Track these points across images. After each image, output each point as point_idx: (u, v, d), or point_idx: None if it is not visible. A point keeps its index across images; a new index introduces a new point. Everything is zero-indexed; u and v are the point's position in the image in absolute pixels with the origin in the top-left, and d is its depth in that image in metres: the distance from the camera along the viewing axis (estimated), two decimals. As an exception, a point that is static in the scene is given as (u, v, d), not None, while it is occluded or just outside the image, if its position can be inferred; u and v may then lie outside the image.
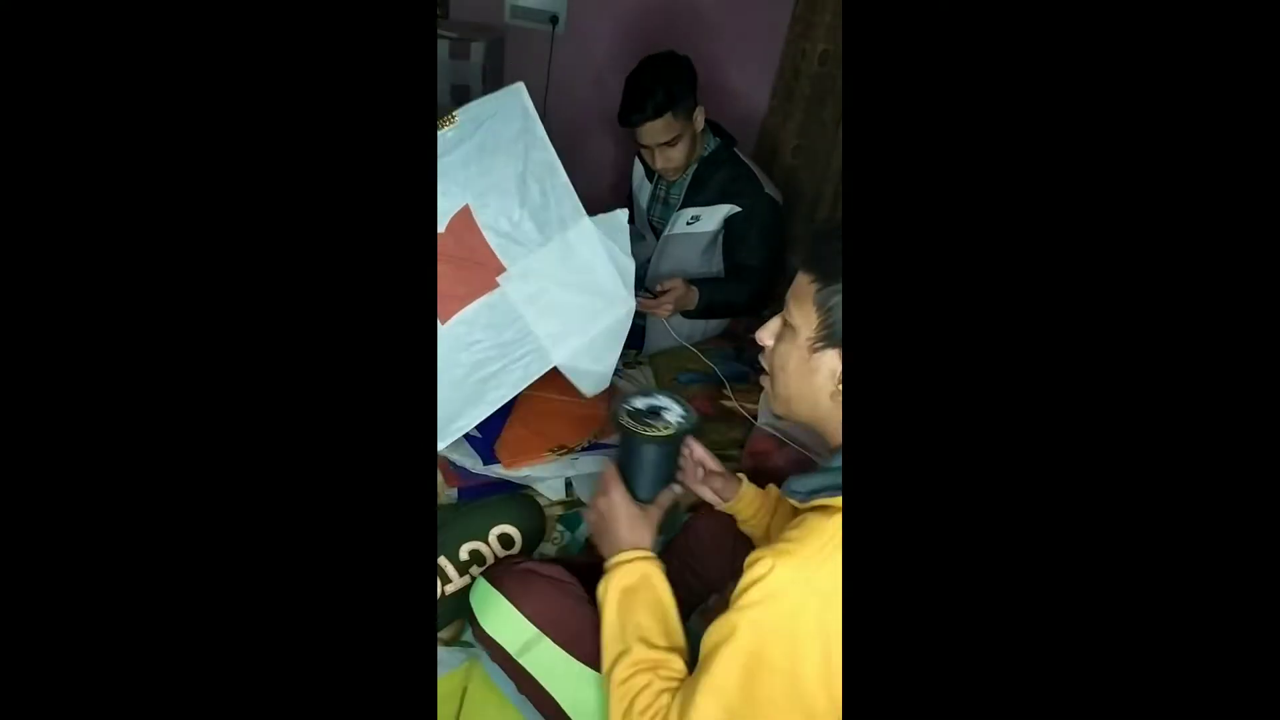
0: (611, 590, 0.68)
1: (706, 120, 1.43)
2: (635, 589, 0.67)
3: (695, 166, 1.44)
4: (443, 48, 1.56)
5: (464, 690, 0.85)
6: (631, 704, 0.61)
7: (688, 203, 1.44)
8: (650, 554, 0.71)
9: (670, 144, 1.35)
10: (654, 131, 1.33)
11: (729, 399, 1.33)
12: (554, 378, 1.35)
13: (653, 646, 0.64)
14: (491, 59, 1.66)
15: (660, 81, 1.30)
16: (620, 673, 0.63)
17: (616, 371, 1.45)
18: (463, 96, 1.63)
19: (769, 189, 1.43)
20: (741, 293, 1.43)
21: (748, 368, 1.50)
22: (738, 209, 1.40)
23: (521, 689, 0.77)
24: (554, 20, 1.83)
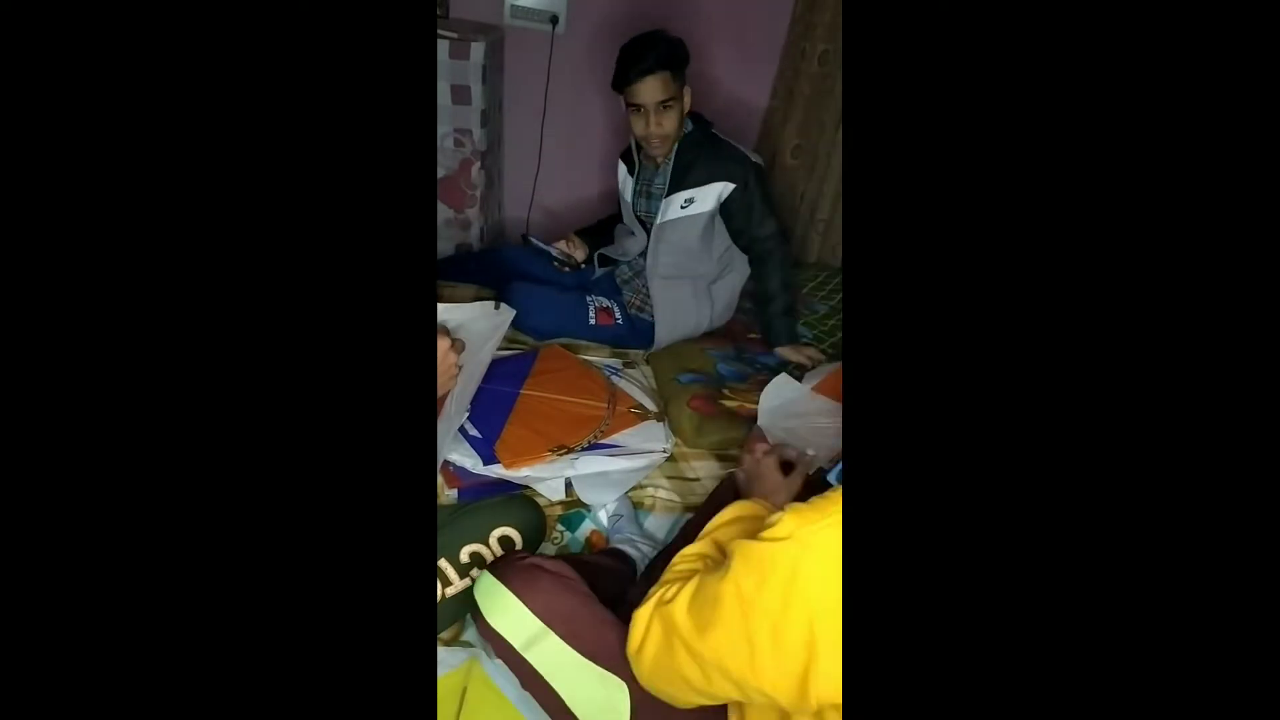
0: (726, 512, 0.77)
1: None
2: (742, 517, 0.76)
3: (676, 150, 1.44)
4: (443, 48, 1.56)
5: (464, 690, 0.85)
6: (673, 564, 0.72)
7: (675, 187, 1.44)
8: (771, 507, 0.78)
9: (666, 105, 1.35)
10: (652, 89, 1.33)
11: (729, 399, 1.33)
12: (554, 379, 1.36)
13: (717, 546, 0.73)
14: (491, 59, 1.66)
15: (659, 42, 1.33)
16: (680, 554, 0.73)
17: (615, 371, 1.46)
18: (463, 97, 1.63)
19: (754, 157, 1.44)
20: (777, 272, 1.49)
21: (748, 368, 1.50)
22: (733, 185, 1.40)
23: (525, 684, 0.77)
24: (554, 20, 1.83)
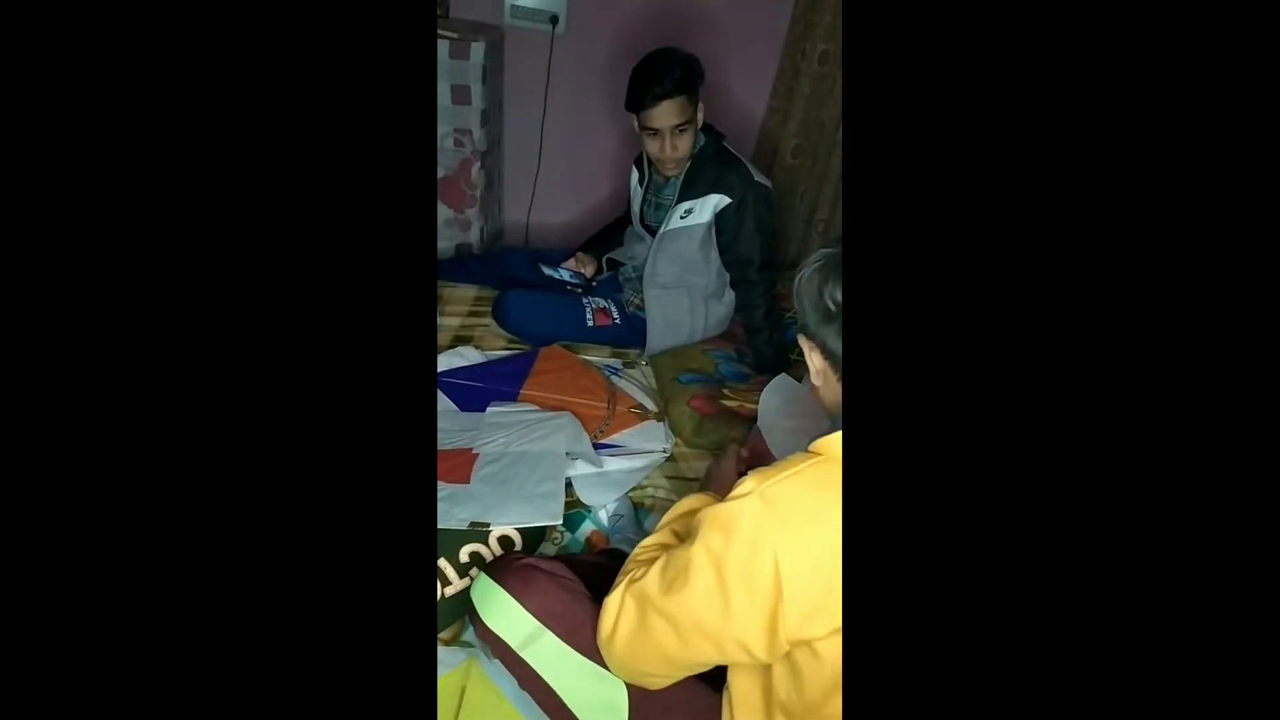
0: (678, 506, 0.81)
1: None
2: (695, 509, 0.76)
3: (688, 163, 1.44)
4: (443, 48, 1.56)
5: (463, 690, 0.85)
6: (634, 557, 0.73)
7: (683, 197, 1.44)
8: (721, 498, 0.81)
9: (682, 128, 1.34)
10: (668, 113, 1.31)
11: (729, 399, 1.33)
12: (554, 379, 1.36)
13: (675, 536, 0.76)
14: (491, 59, 1.66)
15: (676, 64, 1.30)
16: (639, 545, 0.76)
17: (615, 371, 1.46)
18: (463, 97, 1.63)
19: (759, 177, 1.43)
20: (761, 304, 1.47)
21: (748, 368, 1.50)
22: (728, 200, 1.40)
23: (523, 684, 0.77)
24: (554, 20, 1.83)
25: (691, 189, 1.43)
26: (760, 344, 1.50)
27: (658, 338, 1.51)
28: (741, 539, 0.58)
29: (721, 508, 0.61)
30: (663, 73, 1.29)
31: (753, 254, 1.43)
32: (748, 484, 0.60)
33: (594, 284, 1.65)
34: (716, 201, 1.41)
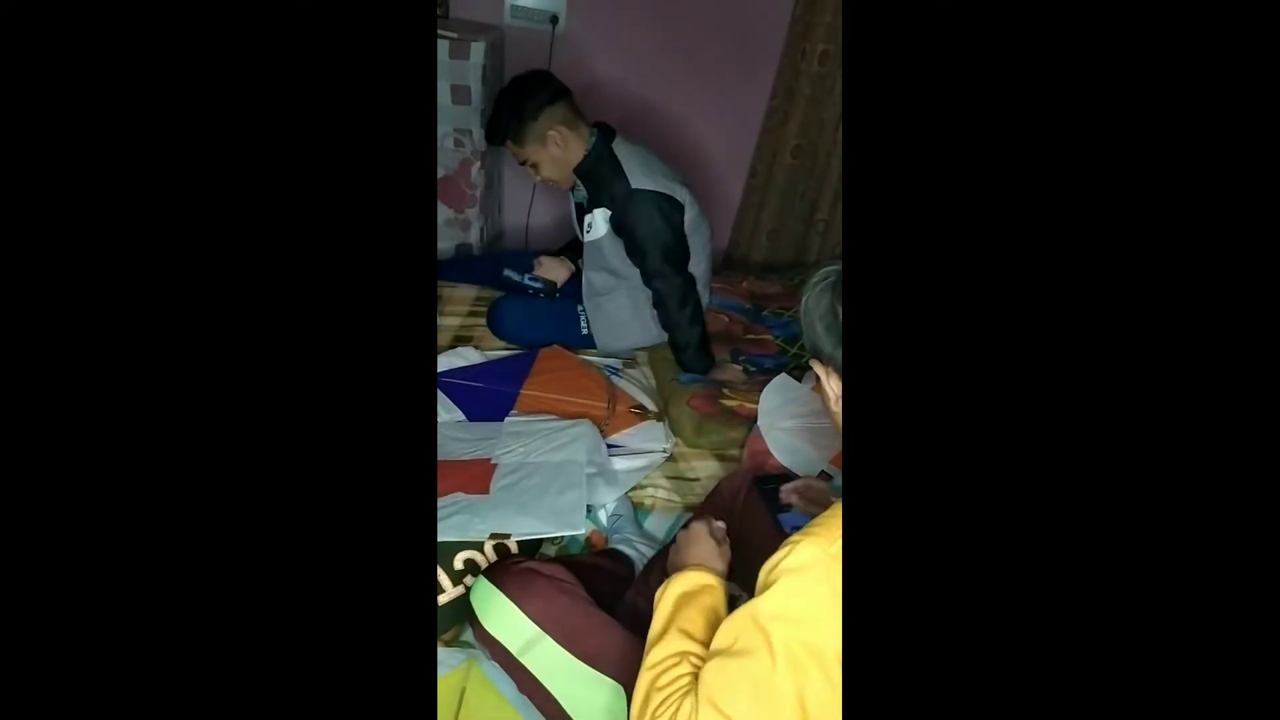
0: (671, 591, 0.69)
1: (595, 123, 1.39)
2: (693, 594, 0.69)
3: (581, 172, 1.39)
4: (443, 48, 1.56)
5: (463, 690, 0.85)
6: (655, 681, 0.62)
7: (591, 207, 1.40)
8: (717, 576, 0.72)
9: (525, 165, 1.39)
10: (511, 153, 1.39)
11: (729, 398, 1.33)
12: (553, 379, 1.36)
13: (689, 638, 0.65)
14: (491, 59, 1.66)
15: (501, 114, 1.34)
16: (653, 656, 0.64)
17: (615, 371, 1.45)
18: (463, 97, 1.63)
19: (641, 181, 1.33)
20: (676, 321, 1.40)
21: (750, 366, 1.50)
22: (609, 211, 1.36)
23: (521, 688, 0.77)
24: (554, 20, 1.83)
25: (591, 200, 1.39)
26: (679, 339, 1.42)
27: (609, 341, 1.50)
28: (823, 607, 0.53)
29: (793, 593, 0.54)
30: (491, 123, 1.36)
31: (647, 258, 1.36)
32: (806, 550, 0.54)
33: (558, 293, 1.62)
34: (604, 214, 1.37)
